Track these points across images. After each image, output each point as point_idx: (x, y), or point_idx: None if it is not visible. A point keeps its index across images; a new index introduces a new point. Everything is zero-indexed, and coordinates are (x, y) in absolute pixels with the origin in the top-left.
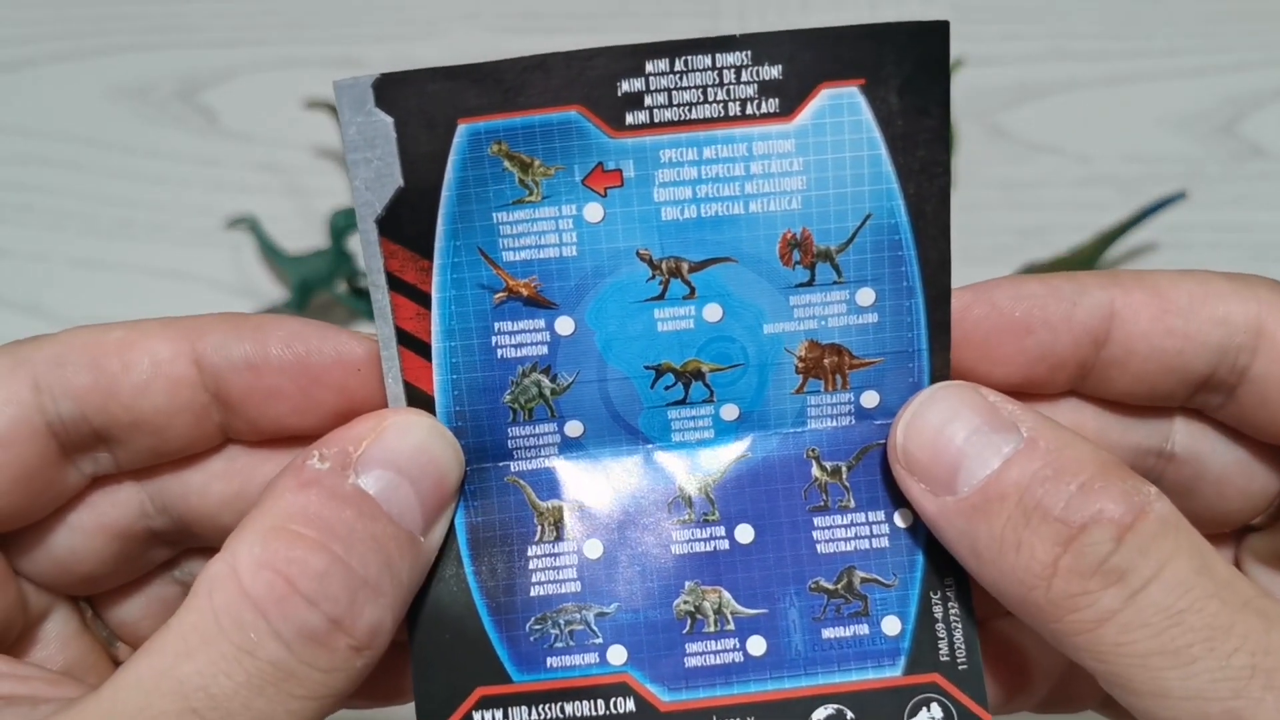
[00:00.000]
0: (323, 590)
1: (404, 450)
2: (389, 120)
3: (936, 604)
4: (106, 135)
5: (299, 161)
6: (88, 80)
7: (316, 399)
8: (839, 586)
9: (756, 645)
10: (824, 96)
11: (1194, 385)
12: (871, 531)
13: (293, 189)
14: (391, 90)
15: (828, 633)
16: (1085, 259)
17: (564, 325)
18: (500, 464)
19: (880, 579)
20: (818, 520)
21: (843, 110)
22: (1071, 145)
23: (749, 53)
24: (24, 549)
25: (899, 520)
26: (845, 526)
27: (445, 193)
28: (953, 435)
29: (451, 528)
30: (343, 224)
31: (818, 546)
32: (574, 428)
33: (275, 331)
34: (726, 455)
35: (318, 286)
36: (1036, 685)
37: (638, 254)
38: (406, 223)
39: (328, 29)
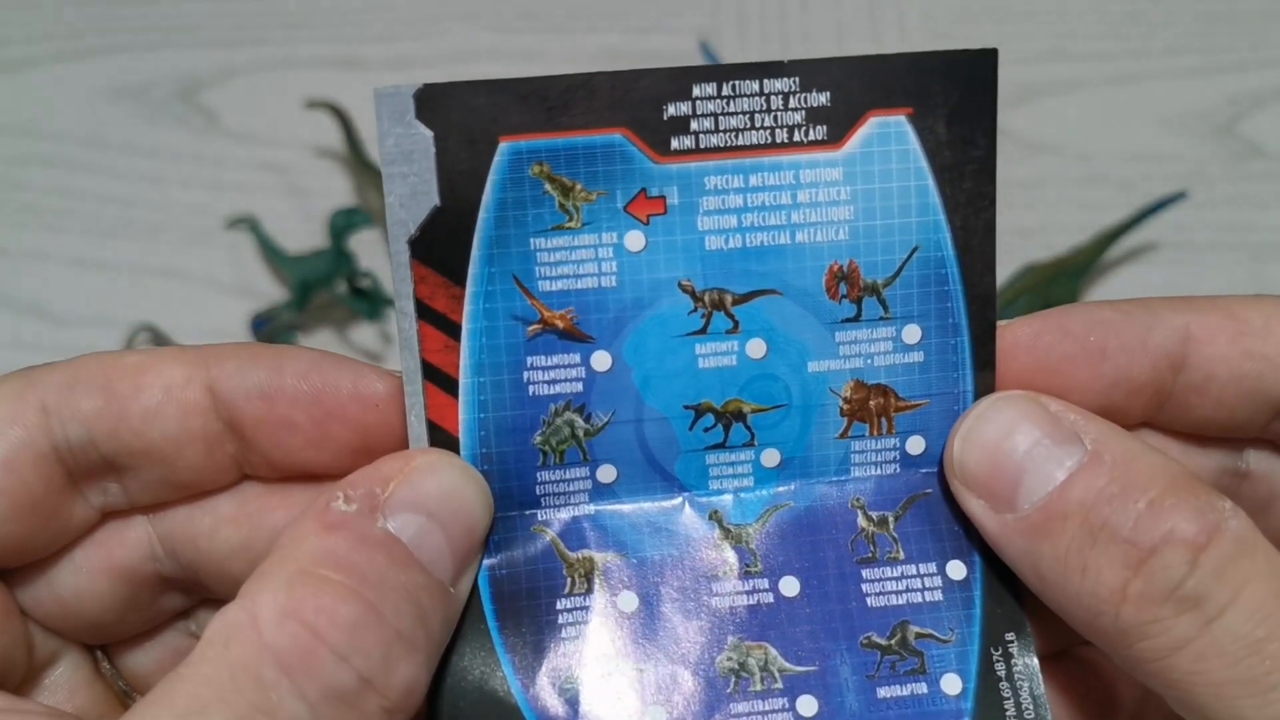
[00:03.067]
0: (354, 644)
1: (434, 493)
2: (429, 134)
3: (998, 660)
4: (106, 135)
5: (299, 161)
6: (88, 80)
7: (332, 434)
8: (893, 642)
9: (807, 705)
10: (872, 125)
11: (1274, 411)
12: (924, 584)
13: (293, 189)
14: (433, 102)
15: (883, 692)
16: (1085, 259)
17: (600, 360)
18: (527, 512)
19: (936, 634)
20: (866, 572)
21: (890, 139)
22: (1071, 145)
23: (797, 79)
24: (29, 586)
25: (951, 573)
26: (896, 579)
27: (482, 214)
28: (1013, 449)
29: (475, 590)
30: (343, 224)
31: (868, 600)
32: (606, 472)
33: (292, 362)
34: (767, 505)
35: (318, 286)
36: (1119, 717)
37: (679, 285)
38: (440, 245)
39: (328, 29)
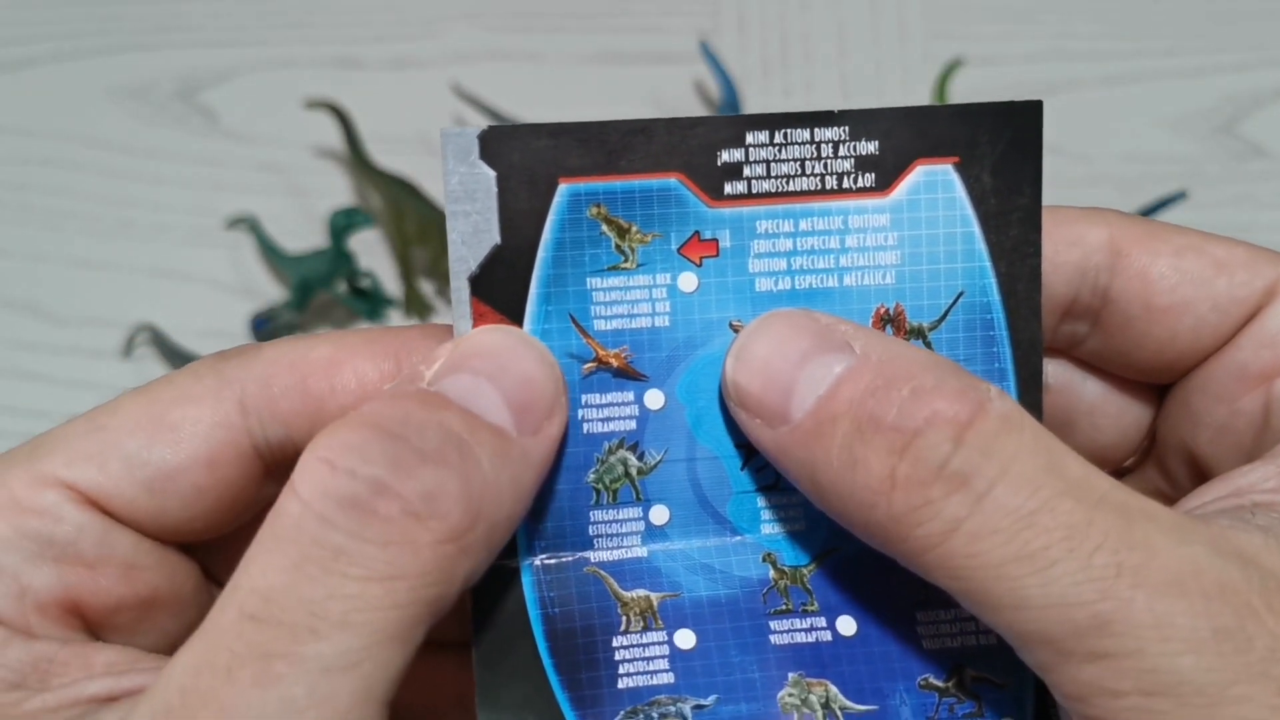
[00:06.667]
0: (361, 456)
1: (479, 353)
2: (491, 174)
3: (1056, 706)
4: (106, 135)
5: (299, 161)
6: (88, 80)
7: None
8: (950, 684)
9: None
10: (919, 173)
11: (1059, 312)
12: (978, 627)
13: (293, 189)
14: (496, 144)
15: None
16: None
17: (654, 399)
18: (580, 554)
19: (991, 678)
20: (921, 615)
21: (937, 187)
22: (1071, 145)
23: (846, 128)
24: (217, 556)
25: None
26: (950, 622)
27: (541, 254)
28: (783, 362)
29: (529, 631)
30: (343, 224)
31: (923, 642)
32: (659, 514)
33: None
34: (821, 548)
35: (318, 286)
36: None
37: (731, 325)
38: (499, 282)
39: (328, 29)
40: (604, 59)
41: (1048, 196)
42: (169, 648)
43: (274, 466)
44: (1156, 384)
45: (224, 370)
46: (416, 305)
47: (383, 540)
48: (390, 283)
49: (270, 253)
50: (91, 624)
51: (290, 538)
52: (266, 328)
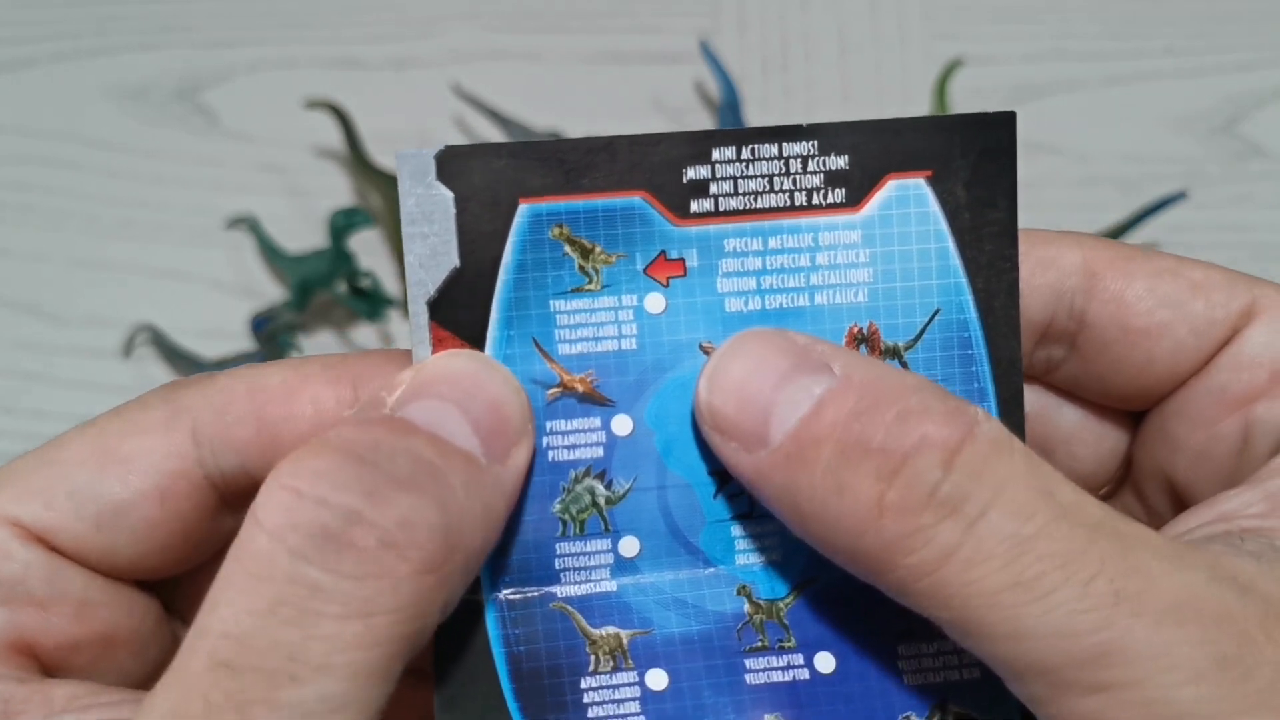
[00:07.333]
0: (332, 483)
1: (444, 378)
2: (449, 195)
3: None
4: (106, 135)
5: (299, 161)
6: (88, 80)
7: None
8: None
9: None
10: (891, 188)
11: (1035, 336)
12: (961, 661)
13: (293, 189)
14: (454, 164)
15: None
16: None
17: (621, 425)
18: (546, 588)
19: (975, 714)
20: (902, 648)
21: (909, 202)
22: (1071, 145)
23: (815, 143)
24: (180, 591)
25: None
26: (932, 655)
27: (502, 276)
28: (761, 383)
29: (493, 670)
30: (343, 224)
31: (905, 677)
32: (629, 546)
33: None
34: (798, 579)
35: (318, 286)
36: None
37: (700, 347)
38: (460, 307)
39: (328, 29)
40: (604, 59)
41: (1048, 197)
42: (131, 684)
43: (230, 498)
44: (1133, 410)
45: (176, 399)
46: None
47: (360, 574)
48: (390, 283)
49: (270, 253)
50: (46, 664)
51: (262, 575)
52: (266, 328)
